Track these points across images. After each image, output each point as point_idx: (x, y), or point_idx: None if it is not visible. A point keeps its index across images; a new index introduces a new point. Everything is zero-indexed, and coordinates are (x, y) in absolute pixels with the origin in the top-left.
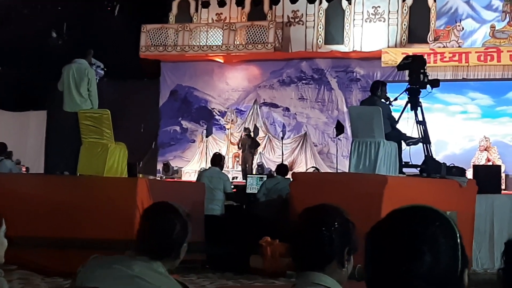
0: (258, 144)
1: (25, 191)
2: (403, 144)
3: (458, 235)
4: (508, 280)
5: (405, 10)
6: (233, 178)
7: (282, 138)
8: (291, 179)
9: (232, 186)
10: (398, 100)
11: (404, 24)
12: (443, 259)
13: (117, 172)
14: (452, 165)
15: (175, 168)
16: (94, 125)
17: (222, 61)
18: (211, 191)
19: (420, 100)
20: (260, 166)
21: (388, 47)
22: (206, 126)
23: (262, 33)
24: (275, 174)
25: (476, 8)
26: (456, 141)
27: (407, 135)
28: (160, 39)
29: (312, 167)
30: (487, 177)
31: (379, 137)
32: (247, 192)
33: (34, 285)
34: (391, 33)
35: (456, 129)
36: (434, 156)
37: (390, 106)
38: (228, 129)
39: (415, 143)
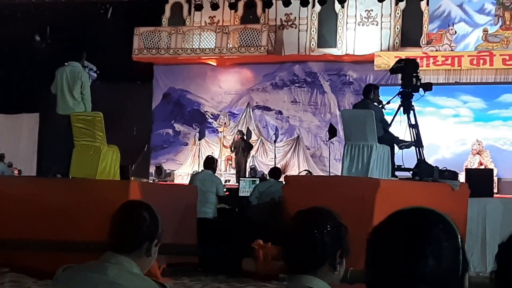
0: (252, 147)
1: (17, 193)
2: (396, 147)
3: (459, 238)
4: (500, 283)
5: (398, 13)
6: (225, 181)
7: (275, 141)
8: (284, 182)
9: (225, 189)
10: (390, 103)
11: (397, 28)
12: (445, 262)
13: (110, 175)
14: (445, 168)
15: (167, 171)
16: (86, 128)
17: (215, 64)
18: (203, 194)
19: (413, 103)
20: (253, 169)
21: (381, 50)
22: (198, 129)
23: (255, 36)
24: (267, 177)
25: (468, 12)
26: (448, 145)
27: (400, 138)
28: (153, 42)
29: (305, 170)
30: (480, 180)
31: (371, 141)
32: (239, 195)
33: None
34: (384, 37)
35: (448, 133)
36: (426, 160)
37: (383, 110)
38: (220, 132)
39: (408, 146)
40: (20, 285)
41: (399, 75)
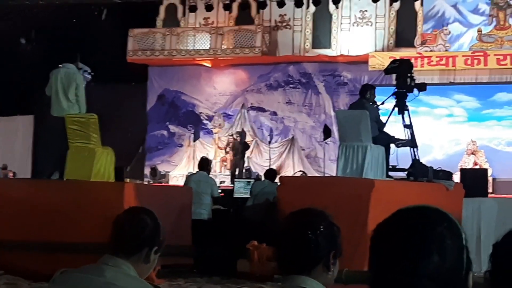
0: (248, 147)
1: (12, 195)
2: (392, 147)
3: (463, 236)
4: (495, 283)
5: (392, 14)
6: (220, 182)
7: (270, 142)
8: (279, 183)
9: (220, 191)
10: (385, 104)
11: (391, 28)
12: (449, 260)
13: (104, 177)
14: (439, 168)
15: (162, 173)
16: (81, 130)
17: (209, 65)
18: (198, 195)
19: (407, 104)
20: (248, 170)
21: (375, 51)
22: (193, 131)
23: (250, 37)
24: (262, 178)
25: (463, 12)
26: (442, 145)
27: (396, 137)
28: (147, 43)
29: (300, 171)
30: (474, 180)
31: (366, 141)
32: (234, 196)
33: None
34: (378, 37)
35: (442, 133)
36: (420, 160)
37: (379, 110)
38: (215, 133)
39: (405, 144)
40: (15, 287)
41: (394, 76)
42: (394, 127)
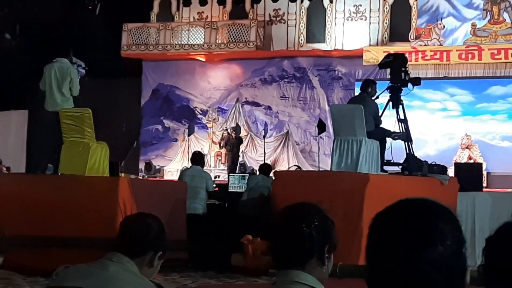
0: (242, 141)
1: (6, 190)
2: (388, 141)
3: (463, 232)
4: (488, 276)
5: (386, 8)
6: (215, 177)
7: (264, 136)
8: (273, 178)
9: (214, 185)
10: (379, 98)
11: (386, 23)
12: (452, 251)
13: (99, 171)
14: (434, 163)
15: (157, 167)
16: (75, 124)
17: (203, 60)
18: (193, 190)
19: (402, 98)
20: (242, 165)
21: (370, 45)
22: (188, 125)
23: (244, 31)
24: (257, 173)
25: (457, 7)
26: (436, 139)
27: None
28: (141, 38)
29: (294, 165)
30: (469, 175)
31: (360, 135)
32: (229, 190)
33: (15, 285)
34: (372, 32)
35: (436, 127)
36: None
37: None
38: (210, 128)
39: (401, 136)
40: (10, 282)
41: (388, 70)
42: (388, 121)
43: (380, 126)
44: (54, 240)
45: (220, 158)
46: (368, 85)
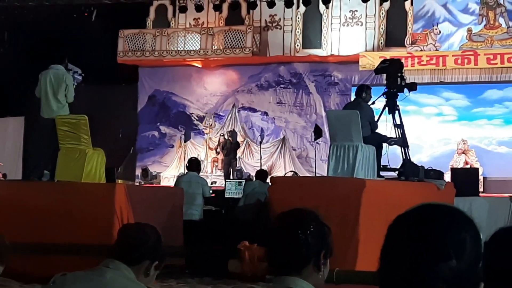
0: (239, 146)
1: (3, 197)
2: (383, 147)
3: (483, 245)
4: (486, 281)
5: (382, 14)
6: (212, 183)
7: (261, 142)
8: (270, 184)
9: (211, 191)
10: (376, 103)
11: (382, 28)
12: (467, 266)
13: (95, 178)
14: (430, 168)
15: (153, 173)
16: (71, 131)
17: (200, 66)
18: (189, 196)
19: (398, 103)
20: (239, 171)
21: (366, 51)
22: (184, 131)
23: (240, 37)
24: (254, 179)
25: (453, 12)
26: (431, 144)
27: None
28: (137, 44)
29: (291, 171)
30: (465, 180)
31: (357, 141)
32: (226, 196)
33: None
34: (368, 37)
35: (432, 132)
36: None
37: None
38: (206, 134)
39: (397, 142)
40: None
41: (384, 75)
42: (384, 127)
43: (376, 131)
44: (50, 247)
45: (216, 164)
46: (363, 90)
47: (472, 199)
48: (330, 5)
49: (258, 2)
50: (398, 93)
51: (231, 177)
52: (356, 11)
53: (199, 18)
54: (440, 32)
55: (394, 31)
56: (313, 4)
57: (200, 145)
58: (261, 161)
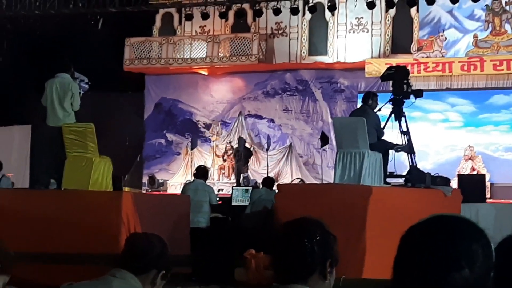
0: (252, 153)
1: (10, 206)
2: (390, 153)
3: (494, 257)
4: None
5: (388, 20)
6: (218, 190)
7: (267, 149)
8: (276, 191)
9: (218, 198)
10: (382, 110)
11: (387, 35)
12: (478, 277)
13: (102, 186)
14: (437, 174)
15: (160, 181)
16: (78, 139)
17: (206, 73)
18: (196, 203)
19: (404, 110)
20: (246, 178)
21: (372, 57)
22: (191, 139)
23: (246, 45)
24: (260, 186)
25: (458, 18)
26: (437, 151)
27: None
28: (144, 52)
29: (297, 178)
30: (472, 186)
31: (363, 148)
32: (232, 204)
33: None
34: (374, 44)
35: (438, 139)
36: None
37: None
38: (213, 141)
39: (404, 148)
40: None
41: (390, 82)
42: (391, 134)
43: (383, 138)
44: (57, 256)
45: (223, 171)
46: (369, 97)
47: (479, 205)
48: (336, 12)
49: (264, 10)
50: (404, 100)
51: (238, 184)
52: (362, 18)
53: (205, 26)
54: (446, 38)
55: (400, 38)
56: (319, 11)
57: (207, 152)
58: (267, 168)
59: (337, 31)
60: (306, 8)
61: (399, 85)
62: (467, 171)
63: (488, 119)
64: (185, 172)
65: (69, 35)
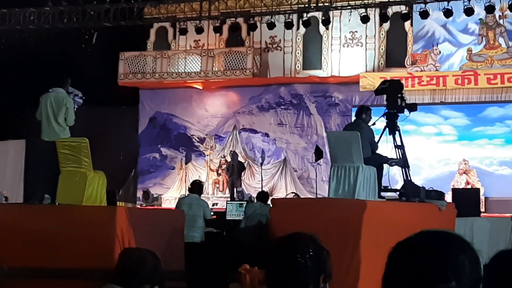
0: (245, 168)
1: (4, 220)
2: (384, 168)
3: (482, 267)
4: None
5: (382, 34)
6: (213, 205)
7: (262, 163)
8: (271, 205)
9: (212, 213)
10: (376, 124)
11: (382, 49)
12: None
13: (96, 201)
14: (431, 188)
15: (155, 195)
16: (72, 154)
17: (200, 87)
18: (190, 218)
19: (398, 124)
20: (240, 192)
21: (366, 71)
22: (185, 153)
23: (240, 59)
24: (255, 201)
25: (452, 32)
26: (431, 164)
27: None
28: (138, 66)
29: (292, 192)
30: (466, 200)
31: (357, 162)
32: (227, 218)
33: None
34: (368, 58)
35: (432, 153)
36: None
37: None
38: (207, 155)
39: (398, 162)
40: None
41: (384, 96)
42: (385, 148)
43: (377, 152)
44: (51, 271)
45: (218, 185)
46: (363, 111)
47: (473, 219)
48: (330, 26)
49: (258, 24)
50: (399, 114)
51: (232, 199)
52: (356, 32)
53: (199, 40)
54: (440, 52)
55: (394, 52)
56: (313, 25)
57: (201, 166)
58: (262, 183)
59: (331, 45)
60: (300, 22)
61: (393, 99)
62: (462, 185)
63: (482, 133)
64: (180, 187)
65: (63, 50)
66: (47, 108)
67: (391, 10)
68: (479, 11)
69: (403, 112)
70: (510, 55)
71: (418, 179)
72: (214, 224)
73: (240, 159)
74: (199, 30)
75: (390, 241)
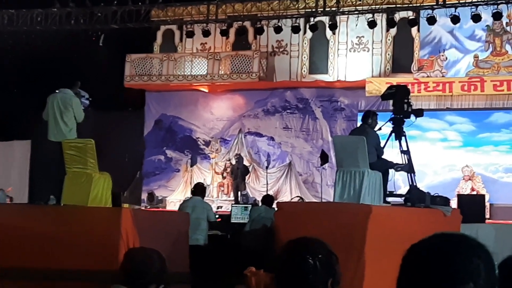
0: (249, 171)
1: (9, 221)
2: (390, 173)
3: (497, 271)
4: None
5: (389, 40)
6: (217, 208)
7: (267, 167)
8: (276, 209)
9: (217, 216)
10: (382, 129)
11: (388, 54)
12: None
13: (101, 202)
14: (436, 194)
15: (159, 198)
16: (78, 155)
17: (206, 90)
18: (194, 221)
19: (404, 130)
20: (245, 196)
21: (372, 76)
22: (190, 156)
23: (247, 62)
24: (259, 204)
25: (459, 38)
26: (436, 171)
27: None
28: (144, 68)
29: (297, 196)
30: (471, 206)
31: (363, 167)
32: (231, 221)
33: None
34: (375, 63)
35: (437, 159)
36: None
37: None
38: (212, 158)
39: (404, 168)
40: None
41: (391, 102)
42: (390, 153)
43: (383, 157)
44: (56, 273)
45: (222, 188)
46: (369, 116)
47: (478, 225)
48: (336, 31)
49: (265, 28)
50: (405, 119)
51: (237, 202)
52: (363, 37)
53: (206, 43)
54: (446, 58)
55: (401, 57)
56: (320, 30)
57: (206, 169)
58: (267, 186)
59: (338, 49)
60: (307, 26)
61: (400, 105)
62: (467, 191)
63: (488, 139)
64: (184, 189)
65: (70, 51)
66: (54, 108)
67: (398, 16)
68: (486, 18)
69: (409, 117)
70: None
71: (422, 185)
72: (218, 227)
73: (245, 162)
74: (206, 33)
75: (395, 246)
